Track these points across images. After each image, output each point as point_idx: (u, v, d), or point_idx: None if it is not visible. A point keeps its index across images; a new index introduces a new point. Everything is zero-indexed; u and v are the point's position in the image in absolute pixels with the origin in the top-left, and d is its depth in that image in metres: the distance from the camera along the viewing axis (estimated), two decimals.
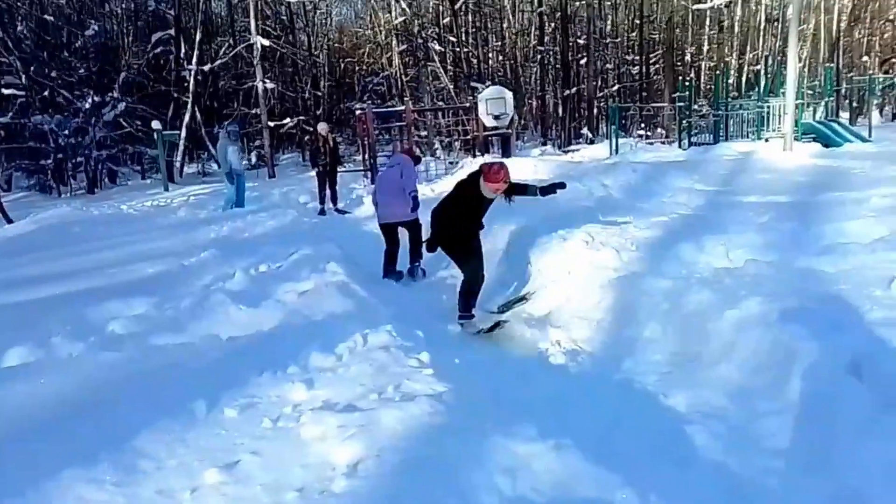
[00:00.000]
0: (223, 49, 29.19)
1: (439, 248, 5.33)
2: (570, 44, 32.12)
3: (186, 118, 24.60)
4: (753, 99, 19.36)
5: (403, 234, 6.90)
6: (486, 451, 2.45)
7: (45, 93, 21.65)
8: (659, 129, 26.40)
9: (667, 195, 9.25)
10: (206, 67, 26.26)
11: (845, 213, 6.20)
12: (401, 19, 30.75)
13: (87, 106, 21.34)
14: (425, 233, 6.17)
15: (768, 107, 17.51)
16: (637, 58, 35.99)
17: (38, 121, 20.24)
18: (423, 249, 6.13)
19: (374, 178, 16.05)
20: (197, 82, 25.50)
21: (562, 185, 5.56)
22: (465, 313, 5.06)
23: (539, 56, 32.88)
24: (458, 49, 29.95)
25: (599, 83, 34.77)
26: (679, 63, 33.68)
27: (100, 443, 2.77)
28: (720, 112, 19.30)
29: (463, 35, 31.16)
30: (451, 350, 4.15)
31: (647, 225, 6.68)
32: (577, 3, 32.89)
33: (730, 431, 3.09)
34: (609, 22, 37.30)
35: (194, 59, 24.95)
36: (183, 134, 24.21)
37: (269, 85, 25.25)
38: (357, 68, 41.71)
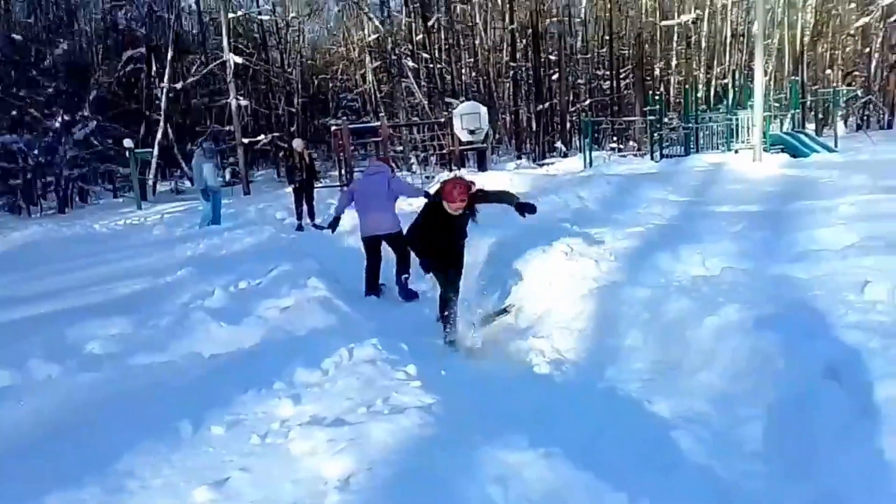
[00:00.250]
0: (195, 67, 29.04)
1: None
2: (542, 60, 32.54)
3: (159, 136, 24.42)
4: (722, 112, 19.77)
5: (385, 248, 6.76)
6: (477, 462, 2.47)
7: (14, 112, 21.32)
8: (631, 143, 26.77)
9: (641, 206, 9.38)
10: (179, 85, 26.11)
11: (816, 221, 6.33)
12: (374, 36, 30.94)
13: (58, 125, 21.10)
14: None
15: (737, 119, 17.89)
16: (608, 73, 36.50)
17: (6, 140, 19.95)
18: (411, 264, 6.21)
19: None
20: (169, 100, 25.33)
21: (533, 210, 5.21)
22: (447, 327, 5.07)
23: (512, 72, 33.22)
24: (431, 65, 30.14)
25: (571, 98, 35.22)
26: (649, 78, 34.25)
27: (83, 464, 2.73)
28: (690, 125, 19.66)
29: (436, 51, 31.39)
30: (436, 362, 4.16)
31: (624, 235, 6.77)
32: (548, 20, 33.37)
33: (713, 437, 3.13)
34: (579, 38, 37.86)
35: (166, 77, 24.80)
36: (155, 152, 24.01)
37: (243, 102, 25.16)
38: (331, 85, 41.78)
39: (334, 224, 6.86)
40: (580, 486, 2.32)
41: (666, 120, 21.74)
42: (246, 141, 25.26)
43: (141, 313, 5.54)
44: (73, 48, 25.51)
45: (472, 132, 16.68)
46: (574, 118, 33.88)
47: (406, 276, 6.53)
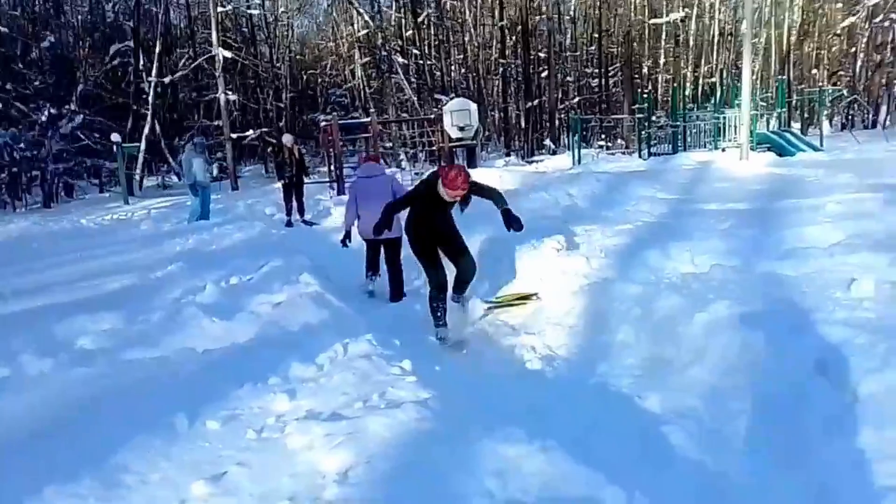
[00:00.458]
0: (183, 61, 28.83)
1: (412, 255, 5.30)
2: (532, 57, 32.59)
3: (146, 130, 24.23)
4: (709, 110, 19.91)
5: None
6: (474, 455, 2.50)
7: None
8: (619, 140, 26.90)
9: (630, 204, 9.44)
10: (167, 79, 25.91)
11: (803, 219, 6.41)
12: (364, 32, 30.84)
13: (44, 118, 20.87)
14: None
15: (724, 118, 18.03)
16: (596, 71, 36.66)
17: None
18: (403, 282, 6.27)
19: (343, 189, 16.05)
20: (156, 94, 25.15)
21: (519, 226, 4.92)
22: (438, 323, 5.08)
23: (501, 69, 33.26)
24: (421, 61, 30.10)
25: (560, 95, 35.30)
26: (637, 76, 34.42)
27: (79, 458, 2.74)
28: (678, 123, 19.78)
29: (426, 48, 31.35)
30: (430, 358, 4.18)
31: (614, 233, 6.83)
32: (538, 18, 33.43)
33: (704, 431, 3.18)
34: (569, 36, 37.95)
35: (154, 71, 24.61)
36: (143, 146, 23.83)
37: (232, 97, 25.02)
38: (319, 80, 41.61)
39: (346, 239, 6.41)
40: (577, 478, 2.35)
41: (654, 118, 21.86)
42: (234, 136, 25.13)
43: (132, 309, 5.50)
44: (60, 41, 25.25)
45: (461, 129, 16.68)
46: (563, 116, 33.98)
47: (397, 292, 6.28)
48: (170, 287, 6.34)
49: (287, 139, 12.34)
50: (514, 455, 2.48)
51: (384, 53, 28.51)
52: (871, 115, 29.70)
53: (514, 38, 33.98)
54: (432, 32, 32.97)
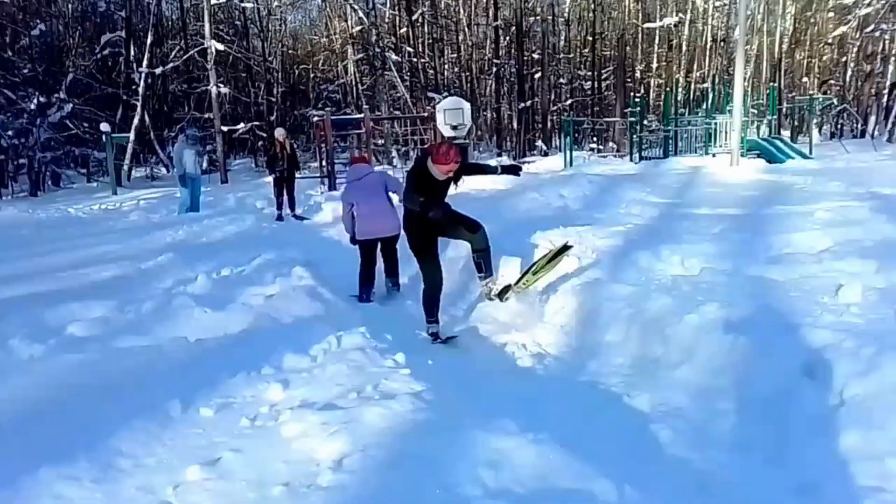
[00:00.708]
0: (174, 52, 28.65)
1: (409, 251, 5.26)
2: (525, 58, 32.67)
3: (136, 121, 24.09)
4: (701, 116, 20.07)
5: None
6: (467, 446, 2.53)
7: None
8: (611, 143, 27.02)
9: (622, 206, 9.51)
10: (157, 70, 25.76)
11: (792, 225, 6.50)
12: (358, 28, 30.78)
13: (32, 106, 20.69)
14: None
15: (715, 123, 18.17)
16: (589, 73, 36.81)
17: None
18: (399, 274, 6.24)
19: (334, 184, 16.04)
20: (147, 85, 25.00)
21: (518, 169, 5.34)
22: (430, 319, 5.11)
23: (494, 69, 33.31)
24: (415, 59, 30.09)
25: (553, 97, 35.43)
26: (630, 79, 34.56)
27: (74, 441, 2.75)
28: (670, 128, 19.91)
29: (420, 46, 31.34)
30: (422, 353, 4.22)
31: (606, 234, 6.88)
32: (532, 19, 33.52)
33: (692, 429, 3.23)
34: (563, 38, 38.05)
35: (145, 62, 24.46)
36: (132, 137, 23.68)
37: (223, 89, 24.91)
38: (312, 75, 41.48)
39: (354, 241, 6.36)
40: (568, 471, 2.39)
41: (646, 122, 21.99)
42: (225, 129, 25.03)
43: (122, 298, 5.49)
44: (51, 29, 25.03)
45: (454, 128, 16.69)
46: (555, 117, 34.09)
47: (394, 280, 6.34)
48: (161, 277, 6.35)
49: (279, 133, 12.34)
50: (506, 446, 2.51)
51: (378, 50, 28.48)
52: (860, 125, 30.00)
53: (508, 38, 34.07)
54: (426, 30, 32.96)
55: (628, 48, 34.32)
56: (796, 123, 24.59)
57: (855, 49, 30.91)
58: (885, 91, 26.70)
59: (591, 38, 35.34)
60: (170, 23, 33.82)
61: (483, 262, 5.14)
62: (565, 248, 5.33)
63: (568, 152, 20.79)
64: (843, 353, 3.20)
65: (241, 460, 2.58)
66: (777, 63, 30.64)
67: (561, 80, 37.49)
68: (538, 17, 32.86)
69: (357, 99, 31.10)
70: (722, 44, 34.36)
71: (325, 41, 40.79)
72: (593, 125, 28.98)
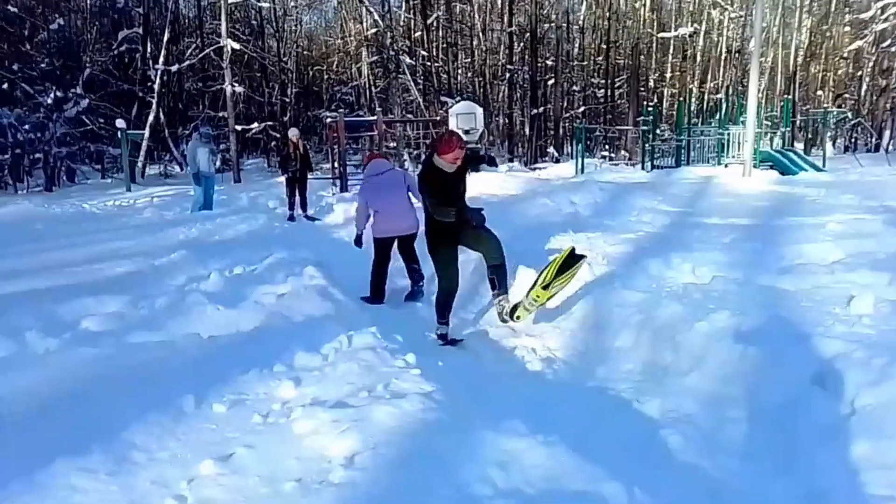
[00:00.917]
0: (190, 50, 28.87)
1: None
2: (539, 64, 32.70)
3: (151, 118, 24.28)
4: (714, 126, 20.01)
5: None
6: (477, 446, 2.55)
7: (5, 86, 21.09)
8: (623, 151, 26.99)
9: (633, 214, 9.51)
10: (173, 68, 25.95)
11: (804, 236, 6.48)
12: (373, 31, 30.90)
13: (49, 101, 20.88)
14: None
15: (728, 134, 18.12)
16: (603, 81, 36.78)
17: None
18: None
19: (346, 185, 16.11)
20: (162, 82, 25.19)
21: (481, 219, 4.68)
22: (441, 321, 5.12)
23: (508, 75, 33.36)
24: (428, 63, 30.18)
25: (566, 104, 35.42)
26: (643, 88, 34.53)
27: (89, 434, 2.78)
28: (682, 137, 19.87)
29: (434, 50, 31.43)
30: (433, 354, 4.24)
31: (616, 241, 6.90)
32: (547, 25, 33.55)
33: (702, 436, 3.23)
34: (577, 45, 38.08)
35: (161, 59, 24.66)
36: (146, 134, 23.86)
37: (238, 88, 25.07)
38: (326, 76, 41.69)
39: (359, 241, 6.31)
40: (578, 473, 2.40)
41: (658, 131, 21.95)
42: (239, 128, 25.18)
43: (136, 293, 5.55)
44: (69, 24, 25.28)
45: (466, 132, 16.72)
46: (567, 124, 34.09)
47: (420, 284, 6.18)
48: (174, 274, 6.40)
49: (293, 133, 12.41)
50: (516, 447, 2.53)
51: (392, 53, 28.57)
52: (874, 139, 29.85)
53: (522, 44, 34.12)
54: (441, 35, 33.07)
55: (642, 57, 34.27)
56: (810, 136, 24.53)
57: (871, 64, 30.78)
58: None
59: (605, 47, 35.31)
60: (186, 20, 34.13)
61: (497, 279, 4.94)
62: (578, 258, 4.86)
63: (579, 159, 20.79)
64: (855, 363, 3.20)
65: (254, 456, 2.61)
66: (792, 75, 30.53)
67: (574, 88, 37.49)
68: (553, 24, 32.88)
69: (370, 101, 31.24)
70: (736, 55, 34.29)
71: (339, 43, 40.97)
72: (605, 133, 28.98)
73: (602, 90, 36.75)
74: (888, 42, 27.51)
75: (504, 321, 4.96)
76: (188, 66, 27.96)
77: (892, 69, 28.77)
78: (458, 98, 24.79)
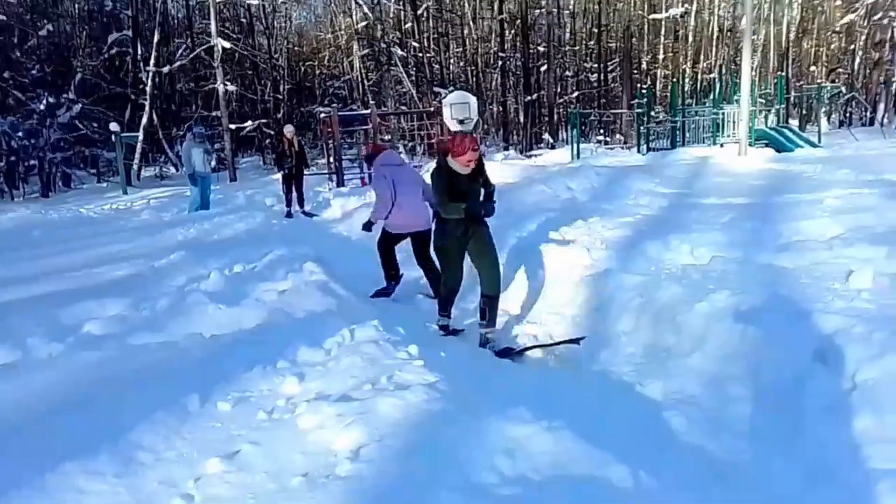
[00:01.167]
0: (181, 51, 28.75)
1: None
2: (531, 51, 32.61)
3: (144, 120, 24.21)
4: (708, 106, 19.97)
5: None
6: (483, 434, 2.56)
7: None
8: (618, 135, 26.95)
9: (630, 197, 9.49)
10: (165, 69, 25.86)
11: (802, 213, 6.48)
12: (363, 24, 30.79)
13: (42, 107, 20.84)
14: None
15: (723, 113, 18.08)
16: (595, 65, 36.67)
17: None
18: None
19: (342, 181, 16.09)
20: (154, 84, 25.11)
21: (490, 212, 4.65)
22: (443, 313, 5.13)
23: (500, 62, 33.26)
24: (420, 54, 30.09)
25: (559, 90, 35.36)
26: (636, 71, 34.43)
27: (95, 437, 2.79)
28: (677, 118, 19.83)
29: (425, 40, 31.33)
30: (435, 345, 4.24)
31: (614, 225, 6.90)
32: (537, 11, 33.42)
33: (705, 416, 3.25)
34: (568, 30, 37.94)
35: (152, 61, 24.57)
36: (141, 136, 23.81)
37: (230, 87, 24.99)
38: (318, 72, 41.56)
39: (370, 226, 5.98)
40: (584, 457, 2.42)
41: (653, 113, 21.90)
42: (232, 127, 25.12)
43: (137, 295, 5.55)
44: (58, 30, 25.17)
45: (461, 122, 16.69)
46: (561, 110, 34.01)
47: (433, 279, 5.80)
48: (174, 274, 6.40)
49: (288, 130, 12.37)
50: (521, 434, 2.54)
51: (383, 46, 28.49)
52: (868, 113, 29.77)
53: (513, 31, 34.01)
54: (431, 25, 32.96)
55: (634, 39, 34.18)
56: (804, 112, 24.47)
57: (863, 37, 30.65)
58: (894, 79, 26.47)
59: (596, 31, 35.20)
60: (176, 21, 33.96)
61: (489, 310, 4.70)
62: (575, 341, 4.61)
63: (575, 145, 20.75)
64: (855, 338, 3.21)
65: (260, 452, 2.62)
66: (784, 52, 30.47)
67: (567, 73, 37.39)
68: (543, 10, 32.76)
69: (363, 95, 31.15)
70: (729, 34, 34.14)
71: (330, 37, 40.84)
72: (600, 117, 28.90)
73: (595, 74, 36.64)
74: (879, 15, 27.39)
75: (482, 346, 4.68)
76: (179, 66, 27.84)
77: (884, 42, 28.64)
78: (452, 88, 24.72)
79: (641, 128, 20.85)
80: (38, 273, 7.19)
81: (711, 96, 20.65)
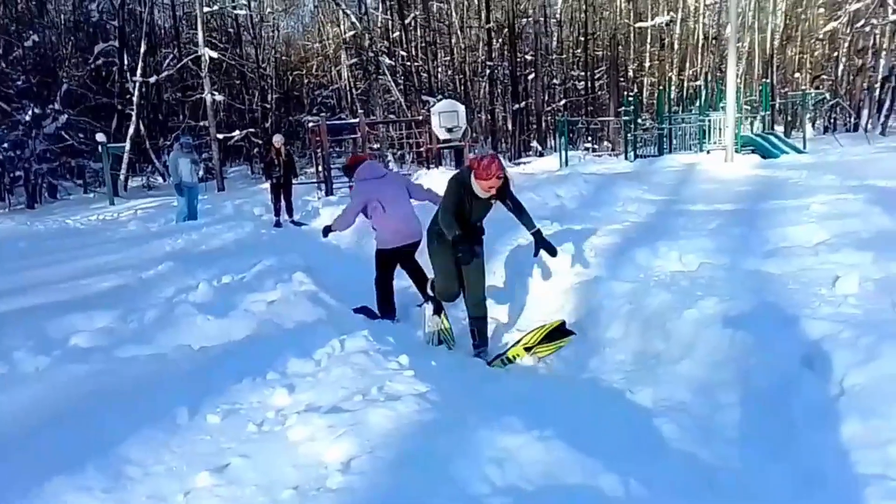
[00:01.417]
0: (168, 61, 28.66)
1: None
2: (518, 59, 32.79)
3: (131, 130, 24.09)
4: (694, 113, 20.13)
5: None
6: (474, 444, 2.56)
7: None
8: (605, 143, 27.09)
9: (618, 204, 9.54)
10: (151, 79, 25.76)
11: (788, 219, 6.53)
12: (350, 33, 30.84)
13: (27, 118, 20.69)
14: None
15: (709, 120, 18.23)
16: (582, 73, 36.89)
17: None
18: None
19: (331, 189, 16.06)
20: (141, 94, 25.01)
21: (553, 252, 4.74)
22: (436, 314, 5.09)
23: (488, 71, 33.40)
24: (408, 63, 30.16)
25: (547, 98, 35.51)
26: (623, 78, 34.66)
27: (84, 451, 2.76)
28: (664, 126, 19.97)
29: (413, 49, 31.41)
30: (425, 354, 4.24)
31: (603, 232, 6.91)
32: (524, 20, 33.61)
33: (695, 423, 3.26)
34: (555, 38, 38.13)
35: (138, 71, 24.47)
36: (128, 146, 23.69)
37: (218, 97, 24.93)
38: (306, 81, 41.56)
39: (328, 232, 5.95)
40: (574, 467, 2.42)
41: (640, 120, 22.05)
42: (220, 136, 25.05)
43: (124, 307, 5.51)
44: (44, 40, 25.04)
45: (449, 130, 16.75)
46: (549, 118, 34.16)
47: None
48: (162, 286, 6.36)
49: (277, 139, 12.36)
50: (512, 444, 2.54)
51: (371, 55, 28.51)
52: (852, 119, 30.08)
53: (500, 40, 34.18)
54: (419, 34, 33.05)
55: (620, 47, 34.42)
56: (790, 119, 24.69)
57: (846, 44, 31.01)
58: (878, 85, 26.76)
59: (583, 39, 35.42)
60: (163, 31, 33.86)
61: (478, 331, 4.71)
62: (567, 332, 4.57)
63: (563, 152, 20.85)
64: (842, 343, 3.24)
65: (250, 465, 2.60)
66: (769, 59, 30.76)
67: (554, 81, 37.57)
68: (530, 19, 32.95)
69: (351, 103, 31.19)
70: (714, 41, 34.43)
71: (318, 47, 40.90)
72: (588, 125, 29.06)
73: (582, 82, 36.85)
74: (861, 22, 27.71)
75: (474, 357, 4.69)
76: (166, 76, 27.75)
77: (866, 49, 28.98)
78: (440, 96, 24.78)
79: (629, 135, 20.99)
80: (24, 285, 7.12)
81: (698, 103, 20.81)
